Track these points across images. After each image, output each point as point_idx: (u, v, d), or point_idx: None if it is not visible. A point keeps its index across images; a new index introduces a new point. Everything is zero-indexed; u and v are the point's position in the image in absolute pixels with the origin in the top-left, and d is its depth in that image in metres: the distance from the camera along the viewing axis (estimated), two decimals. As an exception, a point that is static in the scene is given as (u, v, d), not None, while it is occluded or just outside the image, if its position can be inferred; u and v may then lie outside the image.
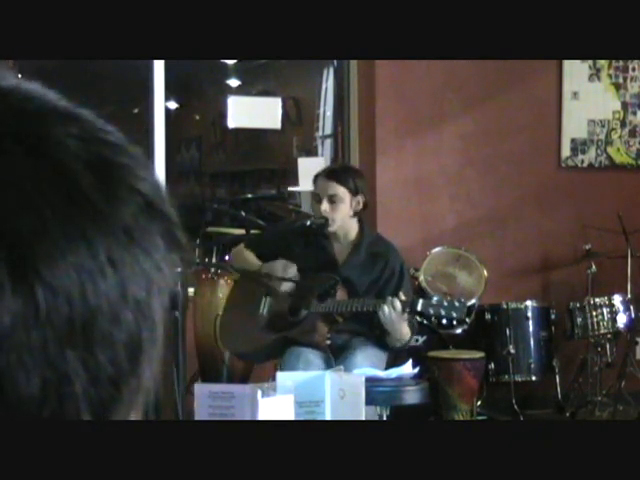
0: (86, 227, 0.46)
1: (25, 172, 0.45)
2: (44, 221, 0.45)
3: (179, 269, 0.51)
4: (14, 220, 0.44)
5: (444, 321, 3.99)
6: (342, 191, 4.18)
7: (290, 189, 7.16)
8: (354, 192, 4.20)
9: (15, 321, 0.43)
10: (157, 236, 0.49)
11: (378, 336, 4.19)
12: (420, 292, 4.93)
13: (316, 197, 4.24)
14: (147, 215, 0.49)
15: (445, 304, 3.98)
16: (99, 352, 0.46)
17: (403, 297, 3.97)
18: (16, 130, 0.47)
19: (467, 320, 5.33)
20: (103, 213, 0.47)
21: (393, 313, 3.92)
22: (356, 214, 4.24)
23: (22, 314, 0.44)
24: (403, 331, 4.04)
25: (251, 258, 4.30)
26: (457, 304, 3.99)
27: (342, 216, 4.20)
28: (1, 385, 0.43)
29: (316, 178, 4.29)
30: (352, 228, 4.26)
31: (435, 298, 4.06)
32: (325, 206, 4.16)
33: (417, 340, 5.17)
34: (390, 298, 3.94)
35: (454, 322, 4.05)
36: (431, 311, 3.98)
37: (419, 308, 3.96)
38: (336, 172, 4.30)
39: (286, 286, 4.20)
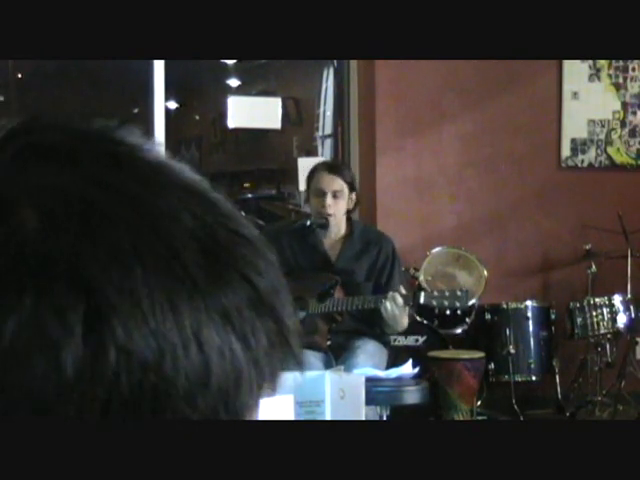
0: (177, 299, 0.44)
1: (127, 232, 0.44)
2: (133, 281, 0.44)
3: (282, 374, 0.49)
4: (101, 271, 0.43)
5: (448, 311, 4.00)
6: (344, 186, 4.21)
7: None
8: (351, 188, 4.24)
9: (81, 372, 0.42)
10: (262, 333, 0.47)
11: (378, 334, 4.20)
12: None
13: (318, 192, 4.22)
14: (255, 310, 0.47)
15: (447, 294, 3.99)
16: None
17: (404, 291, 3.98)
18: (134, 196, 0.46)
19: (467, 320, 5.34)
20: (201, 291, 0.45)
21: (395, 308, 3.93)
22: (348, 211, 4.28)
23: (90, 367, 0.42)
24: (403, 322, 4.07)
25: None
26: (459, 293, 4.00)
27: (342, 212, 4.22)
28: None
29: (314, 173, 4.27)
30: (343, 224, 4.29)
31: (437, 291, 4.07)
32: (330, 200, 4.17)
33: (417, 340, 5.17)
34: (391, 293, 3.95)
35: (458, 312, 4.06)
36: (434, 302, 3.99)
37: (422, 300, 3.97)
38: (337, 166, 4.34)
39: None
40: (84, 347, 0.42)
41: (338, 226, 4.25)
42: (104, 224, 0.45)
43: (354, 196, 4.27)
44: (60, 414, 0.42)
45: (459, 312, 4.10)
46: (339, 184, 4.19)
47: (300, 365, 0.50)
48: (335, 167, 4.31)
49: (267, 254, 0.50)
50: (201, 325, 0.45)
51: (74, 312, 0.42)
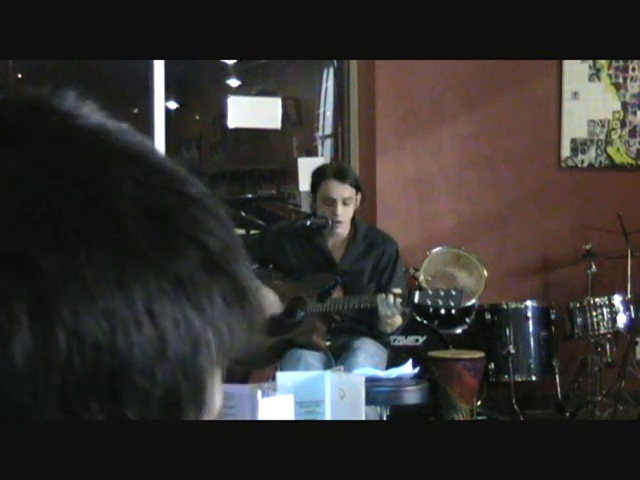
0: (125, 274, 0.44)
1: (68, 211, 0.44)
2: (77, 261, 0.43)
3: (242, 333, 0.48)
4: (43, 256, 0.43)
5: (442, 311, 4.00)
6: (353, 192, 4.17)
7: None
8: (357, 190, 4.20)
9: (31, 361, 0.42)
10: (217, 295, 0.46)
11: (377, 334, 4.19)
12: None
13: (327, 200, 4.15)
14: (207, 271, 0.46)
15: (442, 294, 3.98)
16: (128, 406, 0.44)
17: (398, 290, 3.97)
18: (73, 170, 0.45)
19: (467, 320, 5.34)
20: (150, 262, 0.44)
21: (387, 308, 3.93)
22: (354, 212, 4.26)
23: (40, 355, 0.42)
24: (395, 321, 4.06)
25: None
26: (454, 293, 4.00)
27: (350, 216, 4.20)
28: None
29: (320, 179, 4.18)
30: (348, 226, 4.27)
31: (431, 290, 4.06)
32: (341, 209, 4.13)
33: (417, 340, 5.17)
34: (384, 294, 3.94)
35: (453, 311, 4.06)
36: (428, 302, 3.99)
37: (416, 300, 3.97)
38: (344, 172, 4.22)
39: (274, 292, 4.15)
40: (32, 336, 0.42)
41: (345, 230, 4.22)
42: (44, 206, 0.44)
43: (359, 196, 4.23)
44: (17, 404, 0.42)
45: (454, 312, 4.08)
46: (348, 191, 4.14)
47: (257, 321, 0.50)
48: (342, 173, 4.18)
49: (217, 211, 0.49)
50: (152, 297, 0.44)
51: (19, 301, 0.42)
